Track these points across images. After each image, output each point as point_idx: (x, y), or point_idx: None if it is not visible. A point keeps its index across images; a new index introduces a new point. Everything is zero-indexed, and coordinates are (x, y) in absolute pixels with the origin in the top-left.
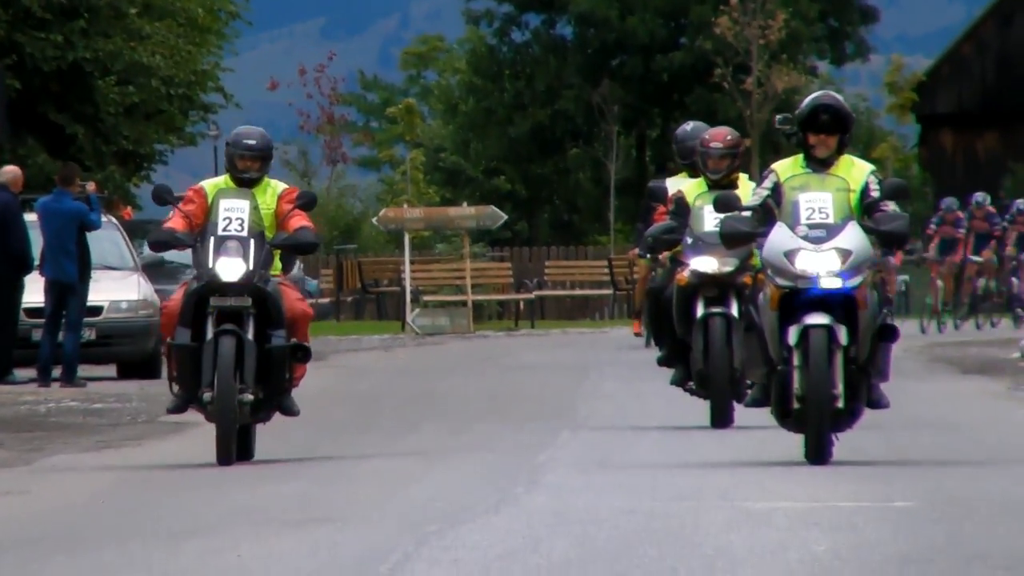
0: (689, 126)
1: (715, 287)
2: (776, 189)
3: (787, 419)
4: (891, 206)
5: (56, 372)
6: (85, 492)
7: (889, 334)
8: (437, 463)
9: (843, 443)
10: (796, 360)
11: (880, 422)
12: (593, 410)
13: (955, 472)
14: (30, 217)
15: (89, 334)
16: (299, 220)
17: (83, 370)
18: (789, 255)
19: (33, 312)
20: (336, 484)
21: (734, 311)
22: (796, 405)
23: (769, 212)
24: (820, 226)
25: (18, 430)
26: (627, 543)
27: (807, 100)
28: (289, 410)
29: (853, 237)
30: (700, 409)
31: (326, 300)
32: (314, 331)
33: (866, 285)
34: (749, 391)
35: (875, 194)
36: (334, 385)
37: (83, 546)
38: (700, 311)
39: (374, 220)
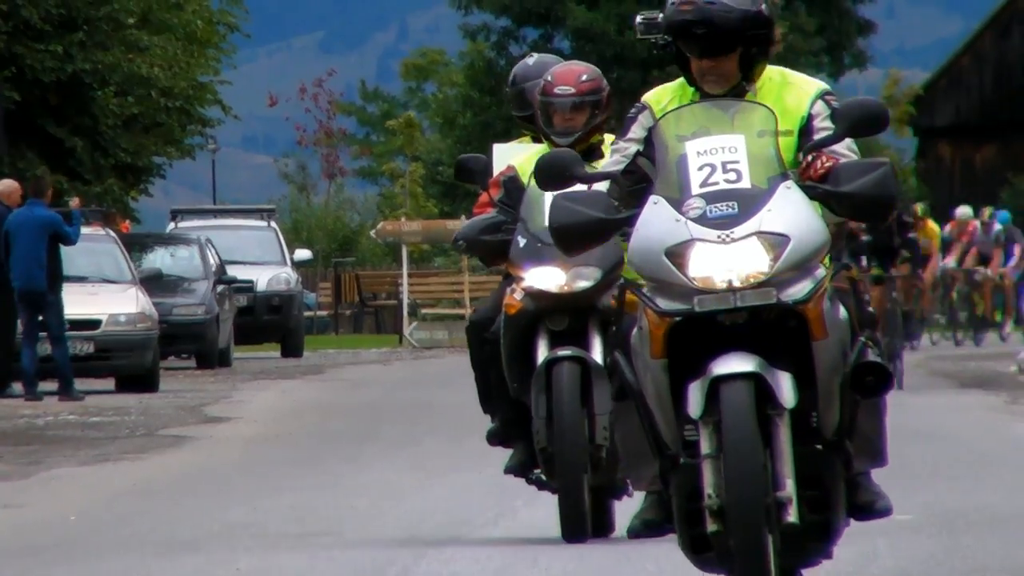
0: (532, 59)
1: (564, 315)
2: (651, 138)
3: (704, 553)
4: (849, 144)
5: (52, 386)
6: (84, 505)
7: (876, 380)
8: (436, 477)
9: None
10: (705, 443)
11: None
12: None
13: (953, 485)
14: None
15: (87, 347)
16: None
17: (81, 383)
18: (675, 253)
19: None
20: (334, 497)
21: (596, 353)
22: (713, 526)
23: (643, 180)
24: (727, 195)
25: (16, 443)
26: (626, 558)
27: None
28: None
29: (789, 210)
30: None
31: (324, 313)
32: (311, 344)
33: (822, 294)
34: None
35: (824, 129)
36: (332, 398)
37: (82, 558)
38: (542, 353)
39: (372, 233)
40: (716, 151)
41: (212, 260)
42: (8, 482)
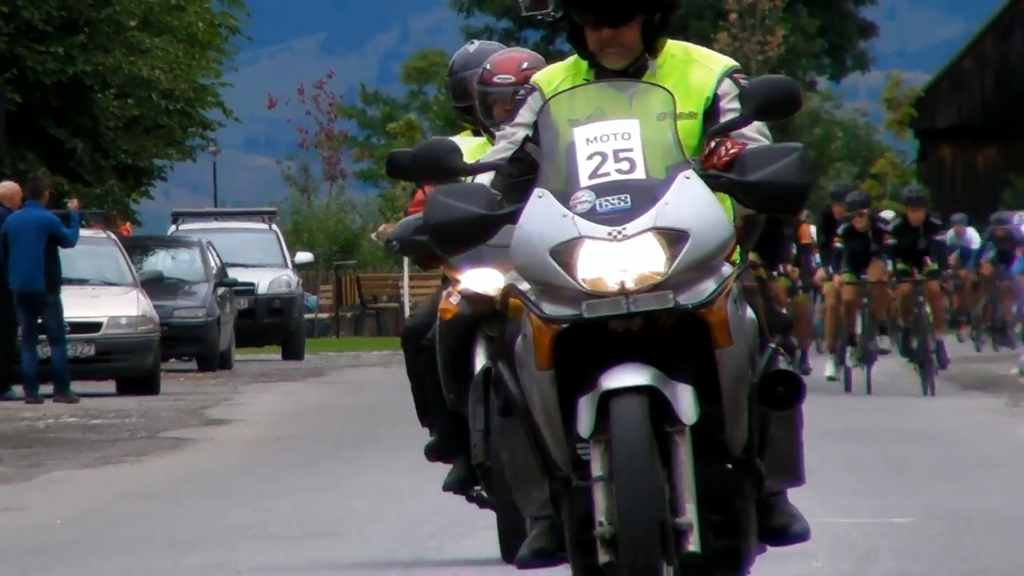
0: (472, 47)
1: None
2: (539, 122)
3: None
4: (760, 129)
5: (49, 388)
6: (85, 507)
7: (787, 391)
8: (435, 479)
9: (839, 458)
10: (597, 464)
11: (879, 437)
12: None
13: (954, 487)
14: None
15: (88, 350)
16: None
17: (82, 386)
18: (562, 253)
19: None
20: (335, 499)
21: None
22: (605, 557)
23: (533, 170)
24: (619, 187)
25: (17, 446)
26: None
27: None
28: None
29: (689, 203)
30: None
31: (325, 316)
32: (313, 347)
33: (727, 296)
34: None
35: (731, 111)
36: (333, 400)
37: (83, 558)
38: (479, 361)
39: (373, 235)
40: (607, 138)
41: (213, 262)
42: (8, 484)
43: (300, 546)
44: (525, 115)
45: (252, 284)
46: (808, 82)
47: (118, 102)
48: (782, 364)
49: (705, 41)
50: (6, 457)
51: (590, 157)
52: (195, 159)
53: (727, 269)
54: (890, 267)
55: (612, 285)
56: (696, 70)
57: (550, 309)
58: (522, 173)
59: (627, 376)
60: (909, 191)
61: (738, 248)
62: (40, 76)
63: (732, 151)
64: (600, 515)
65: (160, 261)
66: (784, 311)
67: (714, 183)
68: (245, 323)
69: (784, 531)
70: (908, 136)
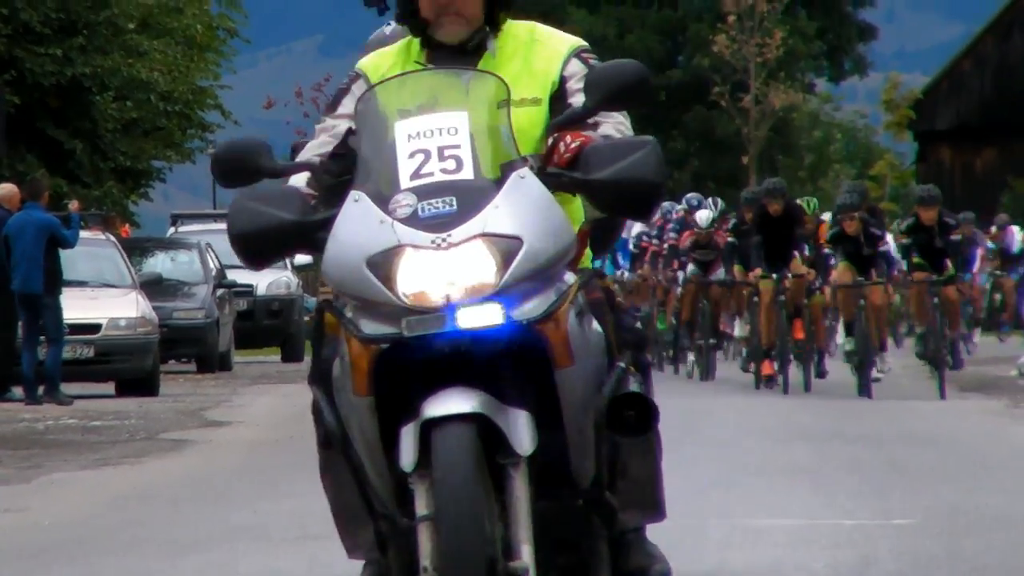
0: (388, 28)
1: None
2: (359, 113)
3: None
4: (618, 124)
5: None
6: (84, 508)
7: (638, 416)
8: None
9: (840, 459)
10: (421, 502)
11: (879, 439)
12: None
13: (954, 488)
14: None
15: (87, 351)
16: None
17: (81, 387)
18: (380, 263)
19: None
20: None
21: None
22: None
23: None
24: (444, 189)
25: (16, 447)
26: None
27: None
28: None
29: (523, 206)
30: (697, 423)
31: None
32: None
33: (567, 309)
34: None
35: (580, 92)
36: None
37: (83, 559)
38: None
39: None
40: (431, 133)
41: (212, 264)
42: (8, 486)
43: (300, 548)
44: (348, 104)
45: (251, 286)
46: (807, 84)
47: (117, 104)
48: (632, 386)
49: (704, 43)
50: (5, 459)
51: (412, 155)
52: (194, 161)
53: (568, 280)
54: (904, 267)
55: (436, 299)
56: (540, 51)
57: (368, 327)
58: (343, 172)
59: (451, 402)
60: (921, 190)
61: (590, 255)
62: (39, 78)
63: (573, 146)
64: (424, 559)
65: (159, 263)
66: (639, 325)
67: (555, 182)
68: (244, 325)
69: (642, 573)
70: (907, 138)
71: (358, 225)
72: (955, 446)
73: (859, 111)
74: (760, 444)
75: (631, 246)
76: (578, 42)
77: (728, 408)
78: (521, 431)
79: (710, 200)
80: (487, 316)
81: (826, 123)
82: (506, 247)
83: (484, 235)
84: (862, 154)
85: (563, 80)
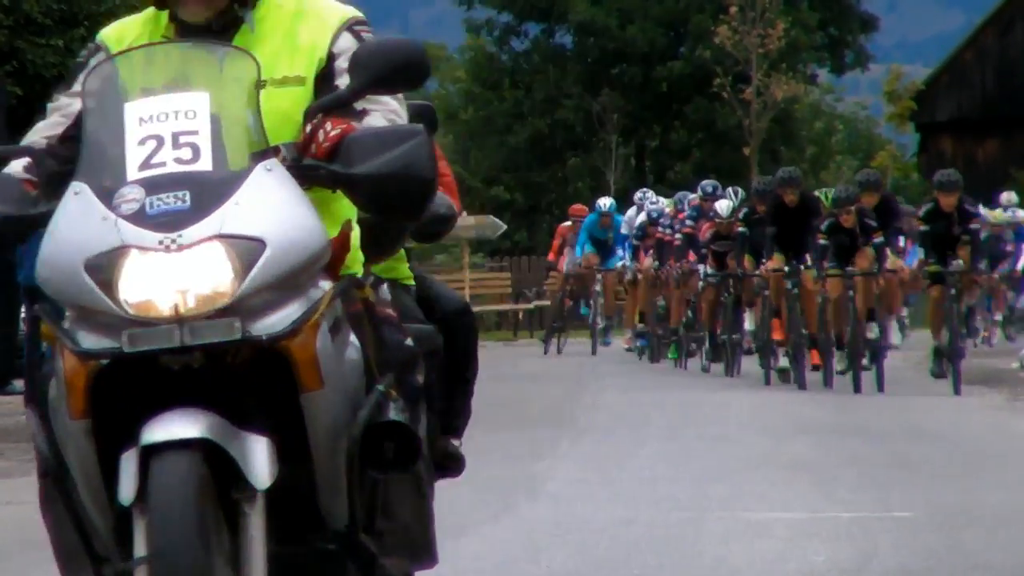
0: None
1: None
2: (87, 90)
3: None
4: (390, 112)
5: None
6: None
7: (399, 449)
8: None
9: (841, 453)
10: (140, 541)
11: (879, 432)
12: (593, 420)
13: (954, 482)
14: None
15: None
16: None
17: None
18: (100, 267)
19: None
20: None
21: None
22: None
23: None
24: (177, 182)
25: (18, 440)
26: (627, 553)
27: None
28: None
29: (268, 203)
30: (699, 419)
31: None
32: None
33: (317, 324)
34: None
35: (345, 75)
36: None
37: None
38: None
39: None
40: (166, 116)
41: None
42: (10, 479)
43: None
44: (80, 79)
45: None
46: (809, 76)
47: None
48: (392, 413)
49: (705, 34)
50: (7, 451)
51: (143, 141)
52: None
53: (320, 290)
54: (922, 255)
55: (164, 309)
56: (307, 24)
57: (86, 341)
58: (71, 158)
59: (174, 426)
60: (942, 174)
61: (359, 258)
62: (40, 69)
63: (333, 134)
64: None
65: None
66: (409, 341)
67: (311, 176)
68: None
69: None
70: (909, 129)
71: (77, 222)
72: (955, 439)
73: (861, 102)
74: (761, 438)
75: (632, 238)
76: (352, 12)
77: (729, 402)
78: (258, 461)
79: (729, 190)
80: (221, 331)
81: (828, 114)
82: (246, 250)
83: (221, 236)
84: (864, 145)
85: (332, 57)
